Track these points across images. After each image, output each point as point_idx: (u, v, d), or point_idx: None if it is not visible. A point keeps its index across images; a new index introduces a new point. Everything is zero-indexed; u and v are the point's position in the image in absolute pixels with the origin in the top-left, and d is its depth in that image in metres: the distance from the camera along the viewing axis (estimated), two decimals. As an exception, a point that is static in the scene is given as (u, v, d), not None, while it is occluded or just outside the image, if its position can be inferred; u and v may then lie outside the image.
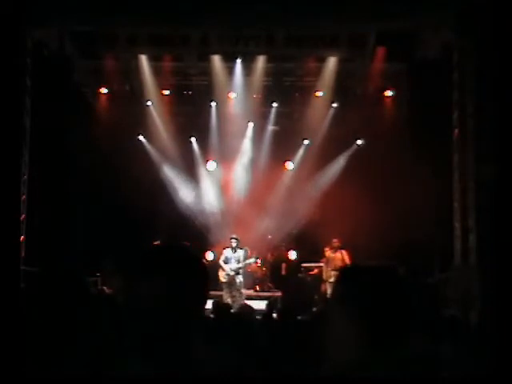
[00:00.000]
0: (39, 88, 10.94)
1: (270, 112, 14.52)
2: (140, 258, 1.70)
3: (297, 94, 14.41)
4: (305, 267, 13.43)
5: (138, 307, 1.60)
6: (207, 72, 13.45)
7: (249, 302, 8.60)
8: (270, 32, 12.06)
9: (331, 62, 13.01)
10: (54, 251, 10.97)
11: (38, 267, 8.42)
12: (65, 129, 12.36)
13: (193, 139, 14.97)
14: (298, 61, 13.11)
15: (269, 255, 14.40)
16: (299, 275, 13.38)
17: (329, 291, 11.27)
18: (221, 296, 11.31)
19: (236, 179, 14.90)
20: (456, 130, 10.33)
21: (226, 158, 14.53)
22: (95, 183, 13.09)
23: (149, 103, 14.05)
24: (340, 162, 14.56)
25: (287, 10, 9.96)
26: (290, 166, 14.88)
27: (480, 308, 8.64)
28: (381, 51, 12.43)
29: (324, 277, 12.34)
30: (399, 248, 10.67)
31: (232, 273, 11.76)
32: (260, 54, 12.90)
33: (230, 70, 13.42)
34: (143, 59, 13.11)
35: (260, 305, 10.06)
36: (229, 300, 11.16)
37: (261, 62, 13.08)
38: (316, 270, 12.97)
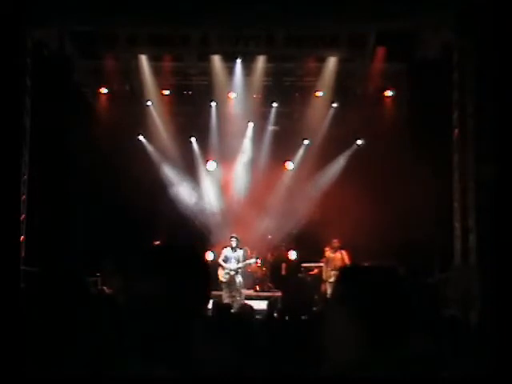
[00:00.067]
0: (39, 88, 10.94)
1: (269, 112, 14.52)
2: (142, 258, 1.70)
3: (297, 94, 14.41)
4: (305, 267, 13.43)
5: (140, 307, 1.60)
6: (207, 72, 13.45)
7: (249, 302, 8.60)
8: (270, 32, 12.06)
9: (331, 62, 13.00)
10: (54, 251, 10.97)
11: (38, 267, 8.42)
12: (65, 129, 12.36)
13: (193, 139, 14.97)
14: (298, 61, 13.10)
15: (269, 255, 14.40)
16: (299, 275, 13.36)
17: (329, 291, 11.27)
18: (220, 296, 11.31)
19: (236, 179, 14.90)
20: (456, 130, 10.33)
21: (226, 158, 14.53)
22: (95, 183, 13.09)
23: (149, 103, 14.05)
24: (340, 162, 14.56)
25: (287, 10, 9.95)
26: (290, 165, 14.88)
27: (480, 308, 8.64)
28: (381, 51, 12.43)
29: (324, 277, 12.34)
30: (399, 248, 10.67)
31: (232, 272, 11.76)
32: (260, 53, 12.89)
33: (230, 70, 13.42)
34: (143, 59, 13.11)
35: (260, 305, 10.05)
36: (228, 300, 11.16)
37: (261, 62, 13.08)
38: (316, 270, 12.97)
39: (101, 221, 12.89)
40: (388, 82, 13.60)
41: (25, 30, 10.08)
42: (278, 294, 12.45)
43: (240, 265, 11.89)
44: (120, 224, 12.89)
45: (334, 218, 11.79)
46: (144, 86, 13.63)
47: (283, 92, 14.09)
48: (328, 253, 12.39)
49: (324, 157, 14.22)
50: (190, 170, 14.85)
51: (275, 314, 6.18)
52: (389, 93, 13.82)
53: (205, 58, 13.02)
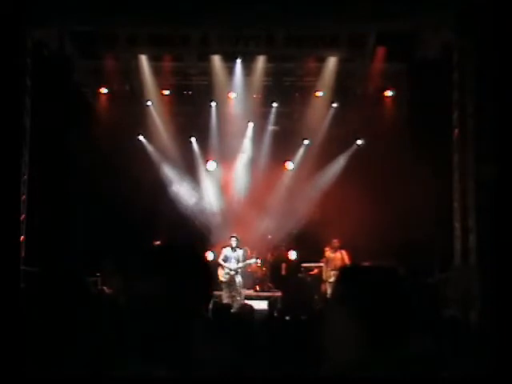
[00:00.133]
0: (39, 88, 10.94)
1: (270, 112, 14.52)
2: (143, 258, 1.70)
3: (297, 94, 14.41)
4: (305, 267, 13.43)
5: (141, 307, 1.60)
6: (207, 72, 13.45)
7: (249, 302, 8.60)
8: (270, 32, 12.06)
9: (331, 62, 13.00)
10: (54, 251, 10.97)
11: (38, 267, 8.42)
12: (65, 129, 12.36)
13: (193, 139, 14.97)
14: (298, 61, 13.10)
15: (269, 255, 14.40)
16: (299, 275, 13.37)
17: (329, 291, 11.27)
18: (220, 296, 11.31)
19: (236, 179, 14.90)
20: (456, 130, 10.33)
21: (226, 158, 14.53)
22: (95, 183, 13.09)
23: (149, 103, 14.05)
24: (340, 162, 14.56)
25: (287, 10, 9.95)
26: (290, 166, 14.88)
27: (480, 308, 8.64)
28: (381, 51, 12.43)
29: (324, 277, 12.35)
30: (399, 248, 10.67)
31: (232, 272, 11.76)
32: (260, 53, 12.89)
33: (230, 70, 13.42)
34: (143, 59, 13.11)
35: (260, 305, 10.06)
36: (228, 300, 11.16)
37: (261, 62, 13.07)
38: (316, 270, 12.97)
39: (101, 221, 12.89)
40: (388, 82, 13.60)
41: (25, 30, 10.08)
42: (278, 293, 12.49)
43: (240, 265, 11.89)
44: (120, 224, 12.89)
45: (334, 218, 11.79)
46: (144, 86, 13.63)
47: (283, 92, 14.09)
48: (328, 253, 12.39)
49: (324, 157, 14.22)
50: (190, 170, 14.85)
51: (275, 314, 6.18)
52: (389, 93, 13.82)
53: (205, 58, 13.02)
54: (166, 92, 14.02)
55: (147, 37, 12.36)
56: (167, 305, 1.58)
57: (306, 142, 14.68)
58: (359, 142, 14.45)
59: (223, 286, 11.72)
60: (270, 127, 14.75)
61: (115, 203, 12.91)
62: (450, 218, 10.36)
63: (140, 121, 14.21)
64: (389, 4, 9.79)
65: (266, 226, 14.24)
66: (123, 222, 12.91)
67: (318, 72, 13.30)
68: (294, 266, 13.93)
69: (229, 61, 13.12)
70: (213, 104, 14.30)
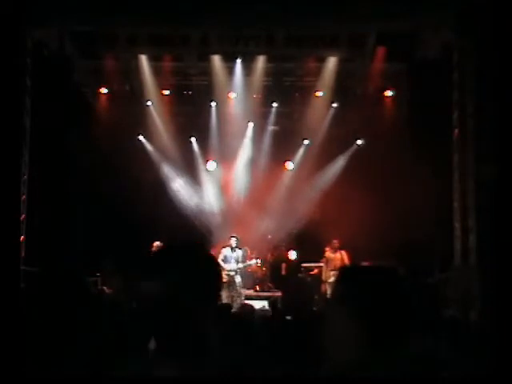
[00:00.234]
0: (39, 88, 10.94)
1: (270, 112, 14.52)
2: (151, 258, 1.70)
3: (297, 94, 14.41)
4: (305, 267, 13.43)
5: (150, 307, 1.60)
6: (207, 72, 13.45)
7: (249, 302, 8.60)
8: (270, 32, 12.06)
9: (331, 62, 13.01)
10: (54, 251, 10.97)
11: (38, 267, 8.42)
12: (65, 129, 12.37)
13: (193, 139, 14.97)
14: (298, 61, 13.10)
15: (269, 255, 14.40)
16: (299, 275, 13.35)
17: (328, 291, 11.27)
18: (220, 296, 11.29)
19: (236, 179, 14.90)
20: (456, 130, 10.33)
21: (226, 158, 14.53)
22: (95, 183, 13.09)
23: (149, 103, 14.05)
24: (340, 162, 14.57)
25: (287, 10, 9.95)
26: (290, 166, 14.89)
27: (480, 308, 8.64)
28: (381, 51, 12.44)
29: (323, 277, 12.34)
30: (399, 248, 10.67)
31: (232, 273, 11.75)
32: (260, 53, 12.89)
33: (230, 70, 13.42)
34: (143, 59, 13.11)
35: (260, 305, 10.06)
36: (228, 300, 11.15)
37: (261, 62, 13.07)
38: (316, 270, 12.97)
39: (101, 221, 12.89)
40: (388, 82, 13.60)
41: (25, 30, 10.08)
42: (278, 294, 12.48)
43: (240, 265, 11.88)
44: (120, 224, 12.89)
45: (334, 218, 11.79)
46: (144, 85, 13.63)
47: (283, 92, 14.09)
48: (328, 253, 12.39)
49: (324, 157, 14.22)
50: (190, 170, 14.85)
51: (275, 314, 6.18)
52: (389, 93, 13.82)
53: (205, 58, 13.02)
54: (166, 92, 14.02)
55: (147, 37, 12.36)
56: (177, 305, 1.58)
57: (306, 141, 14.68)
58: (359, 142, 14.45)
59: (223, 286, 11.71)
60: (270, 127, 14.75)
61: (115, 203, 12.91)
62: (450, 218, 10.36)
63: (140, 121, 14.21)
64: (389, 4, 9.79)
65: (266, 226, 14.23)
66: (123, 221, 12.91)
67: (318, 72, 13.30)
68: (294, 266, 13.92)
69: (229, 61, 13.12)
70: (213, 104, 14.30)
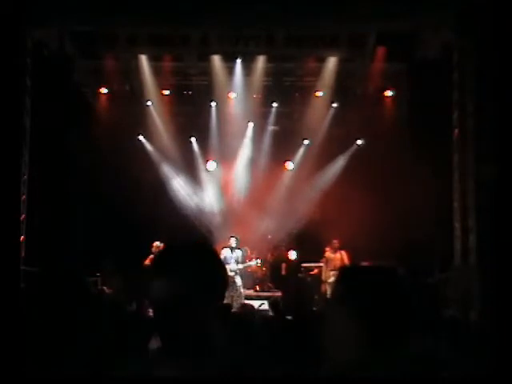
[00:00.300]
0: (39, 88, 10.94)
1: (270, 112, 14.52)
2: (160, 257, 1.70)
3: (297, 94, 14.41)
4: (305, 267, 13.43)
5: (159, 307, 1.60)
6: (207, 72, 13.45)
7: (249, 302, 8.60)
8: (270, 32, 12.06)
9: (331, 62, 13.01)
10: (54, 251, 10.97)
11: (38, 267, 8.42)
12: (65, 129, 12.37)
13: (193, 139, 14.97)
14: (298, 61, 13.10)
15: (269, 255, 14.40)
16: (299, 275, 13.37)
17: (328, 291, 11.27)
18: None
19: (236, 179, 14.91)
20: (456, 130, 10.33)
21: (226, 158, 14.54)
22: (95, 183, 13.09)
23: (149, 103, 14.05)
24: (340, 162, 14.57)
25: (287, 10, 9.95)
26: (290, 166, 14.89)
27: (480, 308, 8.64)
28: (381, 51, 12.44)
29: (323, 277, 12.34)
30: (399, 248, 10.67)
31: (232, 273, 11.74)
32: (260, 53, 12.90)
33: (230, 70, 13.42)
34: (143, 59, 13.11)
35: (259, 304, 10.05)
36: (228, 300, 11.14)
37: (261, 62, 13.08)
38: (316, 270, 12.97)
39: (101, 221, 12.89)
40: (388, 82, 13.60)
41: (25, 30, 10.08)
42: (278, 293, 12.49)
43: (240, 266, 11.87)
44: (120, 224, 12.89)
45: (333, 218, 11.79)
46: (144, 85, 13.63)
47: (283, 92, 14.09)
48: (328, 253, 12.39)
49: (324, 157, 14.22)
50: (190, 170, 14.85)
51: (275, 314, 6.18)
52: (389, 93, 13.82)
53: (205, 58, 13.02)
54: (166, 92, 14.02)
55: (147, 37, 12.36)
56: (186, 304, 1.58)
57: (306, 141, 14.68)
58: (359, 141, 14.45)
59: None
60: (270, 127, 14.75)
61: (115, 203, 12.91)
62: (450, 218, 10.35)
63: (140, 121, 14.21)
64: (389, 4, 9.79)
65: (266, 226, 14.24)
66: (123, 221, 12.91)
67: (318, 72, 13.31)
68: (294, 266, 13.93)
69: (229, 61, 13.12)
70: (213, 104, 14.30)
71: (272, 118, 14.59)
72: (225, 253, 11.93)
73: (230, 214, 14.41)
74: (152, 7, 9.84)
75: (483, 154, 9.22)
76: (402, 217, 11.09)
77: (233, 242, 11.93)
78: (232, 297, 11.50)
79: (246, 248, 13.02)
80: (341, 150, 14.53)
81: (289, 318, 5.56)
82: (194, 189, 14.93)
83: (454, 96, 10.32)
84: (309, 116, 14.16)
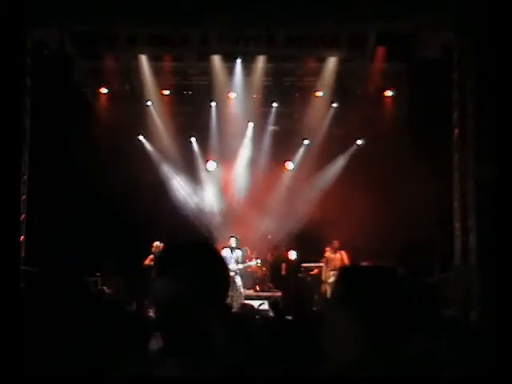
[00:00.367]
0: (39, 88, 10.94)
1: (270, 112, 14.52)
2: (164, 257, 1.70)
3: (297, 94, 14.41)
4: (305, 267, 13.43)
5: (162, 307, 1.60)
6: (207, 72, 13.45)
7: (249, 302, 8.60)
8: (270, 32, 12.06)
9: (331, 62, 13.01)
10: (54, 251, 10.97)
11: (38, 267, 8.42)
12: (65, 129, 12.37)
13: (193, 139, 14.97)
14: (298, 61, 13.10)
15: (269, 255, 14.40)
16: (299, 275, 13.37)
17: (328, 292, 11.26)
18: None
19: (236, 179, 14.91)
20: (456, 130, 10.33)
21: (226, 158, 14.54)
22: (95, 183, 13.09)
23: (149, 103, 14.05)
24: (340, 162, 14.57)
25: (287, 10, 9.95)
26: (290, 166, 14.89)
27: (480, 308, 8.64)
28: (381, 51, 12.44)
29: (323, 277, 12.34)
30: (399, 248, 10.67)
31: (232, 273, 11.74)
32: (260, 53, 12.90)
33: (230, 70, 13.42)
34: (143, 59, 13.11)
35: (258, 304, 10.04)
36: (228, 300, 11.15)
37: (261, 62, 13.08)
38: (316, 270, 12.97)
39: (101, 221, 12.89)
40: (388, 82, 13.60)
41: (25, 30, 10.08)
42: (278, 293, 12.49)
43: (240, 266, 11.88)
44: (120, 224, 12.89)
45: (334, 218, 11.79)
46: (144, 85, 13.63)
47: (283, 92, 14.09)
48: (328, 253, 12.39)
49: (324, 157, 14.22)
50: (190, 170, 14.85)
51: (275, 314, 6.18)
52: (389, 93, 13.82)
53: (205, 58, 13.02)
54: (166, 92, 14.02)
55: (147, 37, 12.36)
56: (189, 304, 1.58)
57: (306, 141, 14.68)
58: (359, 142, 14.45)
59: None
60: (270, 127, 14.75)
61: (115, 203, 12.91)
62: (450, 218, 10.35)
63: (140, 121, 14.21)
64: (389, 4, 9.79)
65: (266, 226, 14.24)
66: (123, 221, 12.91)
67: (318, 72, 13.31)
68: (294, 266, 13.93)
69: (229, 61, 13.12)
70: (213, 104, 14.30)
71: (272, 117, 14.59)
72: (225, 253, 11.92)
73: (230, 214, 14.41)
74: (152, 7, 9.84)
75: (483, 153, 9.22)
76: (401, 217, 11.09)
77: (233, 242, 11.93)
78: (232, 297, 11.50)
79: (246, 248, 13.02)
80: (341, 150, 14.53)
81: (289, 318, 5.56)
82: (193, 189, 14.93)
83: (454, 96, 10.32)
84: (309, 116, 14.16)
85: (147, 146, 14.64)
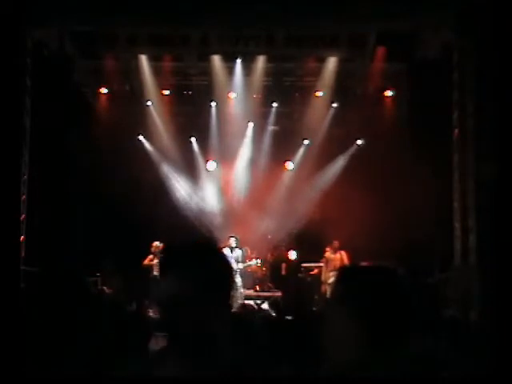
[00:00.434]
0: (39, 88, 10.94)
1: (270, 112, 14.52)
2: (166, 256, 1.70)
3: (297, 94, 14.41)
4: (305, 267, 13.43)
5: (167, 307, 1.60)
6: (207, 72, 13.45)
7: (249, 302, 8.60)
8: (270, 32, 12.06)
9: (331, 62, 13.01)
10: (54, 251, 10.97)
11: (38, 267, 8.42)
12: (65, 129, 12.37)
13: (193, 139, 14.97)
14: (298, 61, 13.10)
15: (269, 255, 14.39)
16: (299, 275, 13.37)
17: (328, 292, 11.26)
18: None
19: (236, 179, 14.91)
20: (456, 130, 10.33)
21: (226, 158, 14.53)
22: (95, 183, 13.09)
23: (149, 103, 14.05)
24: (340, 162, 14.57)
25: (287, 10, 9.95)
26: (290, 166, 14.89)
27: (480, 308, 8.64)
28: (381, 51, 12.44)
29: (323, 278, 12.34)
30: (399, 248, 10.67)
31: (232, 273, 11.74)
32: (260, 53, 12.90)
33: (230, 70, 13.42)
34: (143, 59, 13.11)
35: (261, 305, 10.05)
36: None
37: (261, 62, 13.08)
38: (316, 271, 12.97)
39: (101, 221, 12.89)
40: (388, 82, 13.60)
41: (25, 30, 10.08)
42: (278, 293, 12.49)
43: (240, 266, 11.88)
44: (120, 224, 12.89)
45: (333, 218, 11.79)
46: (144, 85, 13.63)
47: (283, 92, 14.09)
48: (328, 253, 12.38)
49: (324, 157, 14.22)
50: (190, 170, 14.85)
51: (275, 314, 6.18)
52: (389, 93, 13.82)
53: (205, 58, 13.02)
54: (166, 92, 14.02)
55: (147, 37, 12.36)
56: (193, 304, 1.58)
57: (306, 141, 14.68)
58: (359, 142, 14.45)
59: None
60: (270, 127, 14.75)
61: (115, 203, 12.91)
62: (450, 218, 10.36)
63: (140, 121, 14.21)
64: (389, 4, 9.79)
65: (266, 226, 14.24)
66: (123, 221, 12.91)
67: (318, 72, 13.31)
68: (294, 266, 13.92)
69: (229, 61, 13.12)
70: (213, 104, 14.30)
71: (272, 117, 14.59)
72: (225, 252, 11.92)
73: (230, 214, 14.41)
74: (152, 7, 9.84)
75: (483, 153, 9.22)
76: (402, 217, 11.09)
77: (233, 241, 11.93)
78: (232, 297, 11.49)
79: (246, 248, 13.01)
80: (341, 150, 14.53)
81: (289, 318, 5.56)
82: (194, 189, 14.93)
83: (454, 96, 10.32)
84: (309, 116, 14.16)
85: (147, 146, 14.63)
